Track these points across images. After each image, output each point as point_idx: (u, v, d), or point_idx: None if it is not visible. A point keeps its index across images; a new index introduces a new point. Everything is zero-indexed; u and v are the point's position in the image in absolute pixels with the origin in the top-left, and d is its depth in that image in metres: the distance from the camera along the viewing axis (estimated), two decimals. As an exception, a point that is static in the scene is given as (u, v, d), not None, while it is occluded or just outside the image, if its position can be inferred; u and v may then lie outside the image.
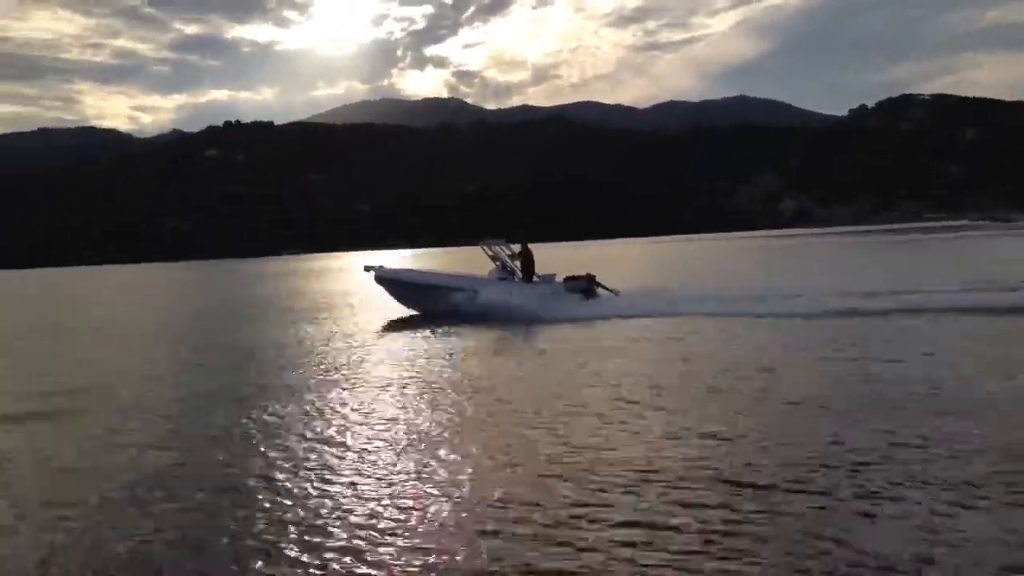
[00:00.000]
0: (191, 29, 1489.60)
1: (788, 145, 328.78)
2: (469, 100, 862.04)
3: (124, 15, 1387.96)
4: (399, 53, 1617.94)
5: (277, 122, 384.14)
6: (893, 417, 9.34)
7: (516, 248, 25.70)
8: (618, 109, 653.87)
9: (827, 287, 23.37)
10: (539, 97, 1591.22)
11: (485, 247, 26.26)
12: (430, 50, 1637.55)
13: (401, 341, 19.64)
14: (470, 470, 8.14)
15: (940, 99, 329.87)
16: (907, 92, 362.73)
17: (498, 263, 25.54)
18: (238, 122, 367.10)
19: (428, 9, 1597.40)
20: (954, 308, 19.61)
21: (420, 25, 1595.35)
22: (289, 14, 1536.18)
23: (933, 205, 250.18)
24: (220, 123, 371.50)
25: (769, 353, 14.55)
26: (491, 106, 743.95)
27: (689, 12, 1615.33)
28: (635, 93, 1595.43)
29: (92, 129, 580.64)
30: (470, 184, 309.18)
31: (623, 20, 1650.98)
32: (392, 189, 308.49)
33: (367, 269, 26.89)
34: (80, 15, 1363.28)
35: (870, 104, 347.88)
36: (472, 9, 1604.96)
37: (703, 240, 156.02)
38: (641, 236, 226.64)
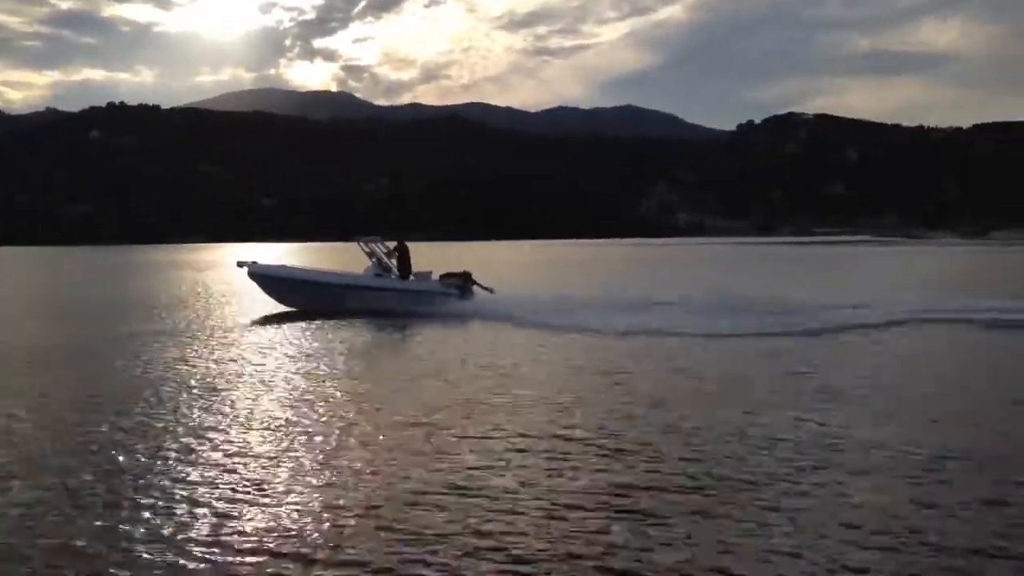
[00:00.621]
0: (65, 4, 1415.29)
1: (680, 157, 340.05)
2: (359, 95, 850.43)
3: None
4: (287, 43, 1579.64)
5: (163, 106, 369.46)
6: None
7: (392, 245, 26.23)
8: (509, 111, 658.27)
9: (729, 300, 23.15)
10: (429, 96, 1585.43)
11: (362, 244, 26.52)
12: (319, 42, 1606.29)
13: (275, 336, 19.77)
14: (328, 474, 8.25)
15: (823, 119, 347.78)
16: (790, 111, 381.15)
17: (374, 259, 25.91)
18: (123, 103, 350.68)
19: (318, 0, 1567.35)
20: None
21: (310, 16, 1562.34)
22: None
23: (823, 221, 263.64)
24: (99, 103, 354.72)
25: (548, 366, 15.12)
26: (381, 102, 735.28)
27: (579, 20, 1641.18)
28: (525, 97, 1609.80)
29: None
30: (368, 182, 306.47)
31: (514, 24, 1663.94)
32: (291, 181, 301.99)
33: (240, 265, 26.39)
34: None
35: (757, 120, 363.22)
36: (363, 3, 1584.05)
37: (615, 245, 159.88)
38: (542, 238, 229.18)
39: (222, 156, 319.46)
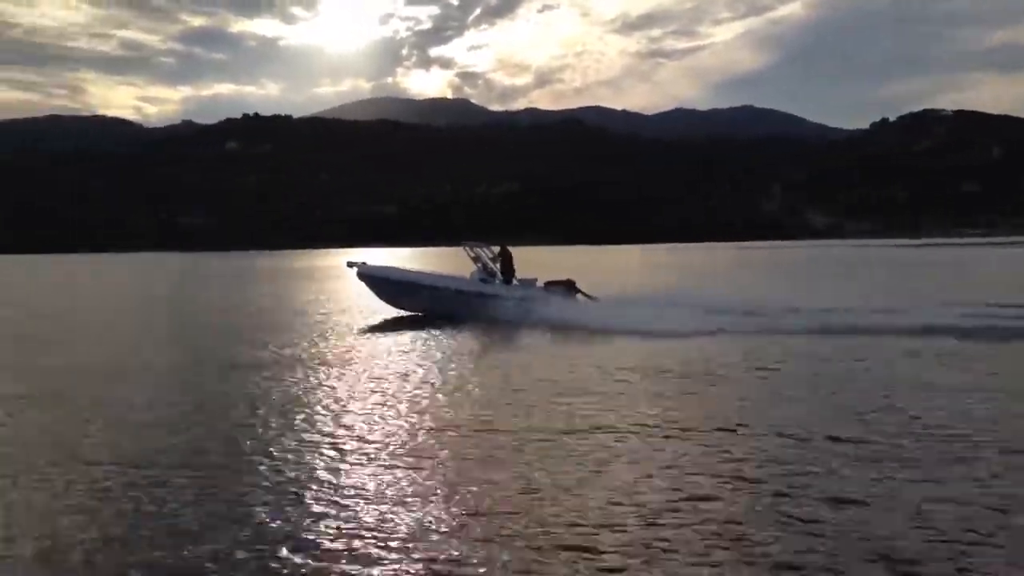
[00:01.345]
0: (197, 21, 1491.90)
1: (805, 156, 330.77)
2: (474, 101, 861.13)
3: (132, 6, 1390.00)
4: (404, 52, 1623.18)
5: (293, 115, 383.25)
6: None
7: (496, 250, 25.55)
8: (626, 115, 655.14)
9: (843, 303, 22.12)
10: (544, 100, 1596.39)
11: (467, 248, 25.96)
12: (435, 51, 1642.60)
13: (387, 340, 19.38)
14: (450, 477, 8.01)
15: (963, 115, 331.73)
16: (924, 108, 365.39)
17: (479, 264, 25.34)
18: (257, 114, 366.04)
19: (434, 10, 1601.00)
20: None
21: (426, 25, 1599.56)
22: (295, 10, 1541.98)
23: (961, 222, 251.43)
24: (227, 115, 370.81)
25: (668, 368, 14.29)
26: (496, 108, 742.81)
27: (694, 21, 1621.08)
28: (640, 100, 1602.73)
29: (101, 118, 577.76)
30: (494, 186, 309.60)
31: (628, 27, 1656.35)
32: (414, 188, 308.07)
33: (350, 265, 26.42)
34: (88, 4, 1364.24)
35: (891, 118, 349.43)
36: (478, 11, 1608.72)
37: (742, 249, 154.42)
38: (666, 242, 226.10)
39: (348, 164, 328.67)
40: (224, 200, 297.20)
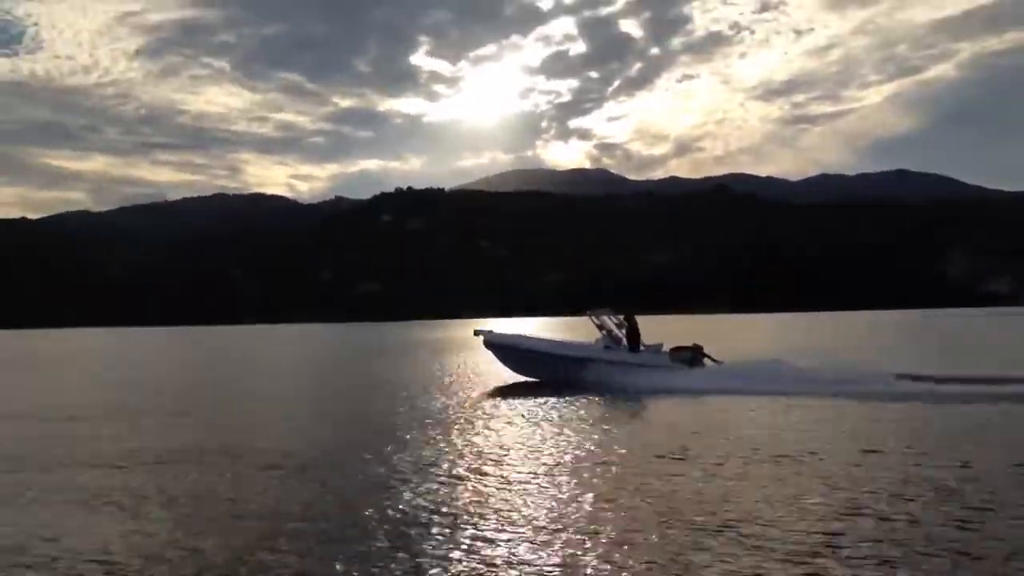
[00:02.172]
0: (346, 102, 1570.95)
1: (972, 220, 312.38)
2: (613, 171, 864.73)
3: (287, 90, 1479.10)
4: (544, 125, 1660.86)
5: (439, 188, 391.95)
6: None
7: (622, 318, 25.88)
8: (770, 181, 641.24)
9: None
10: (683, 169, 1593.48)
11: (592, 316, 26.42)
12: (574, 122, 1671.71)
13: (507, 409, 19.60)
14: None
15: None
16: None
17: (604, 332, 25.74)
18: (410, 188, 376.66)
19: (574, 83, 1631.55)
20: None
21: (566, 98, 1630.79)
22: (439, 87, 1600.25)
23: None
24: (374, 189, 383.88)
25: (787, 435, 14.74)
26: (634, 177, 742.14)
27: (840, 85, 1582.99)
28: (782, 166, 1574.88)
29: (260, 195, 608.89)
30: (655, 255, 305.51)
31: (770, 93, 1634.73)
32: (572, 258, 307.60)
33: (476, 333, 27.55)
34: (247, 91, 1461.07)
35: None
36: (618, 83, 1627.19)
37: (931, 316, 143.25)
38: (846, 309, 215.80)
39: (500, 234, 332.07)
40: (389, 271, 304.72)
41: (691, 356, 24.94)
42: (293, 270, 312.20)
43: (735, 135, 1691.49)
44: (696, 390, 22.05)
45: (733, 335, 63.49)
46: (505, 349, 27.10)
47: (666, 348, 25.51)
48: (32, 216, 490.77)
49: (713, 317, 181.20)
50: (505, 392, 23.88)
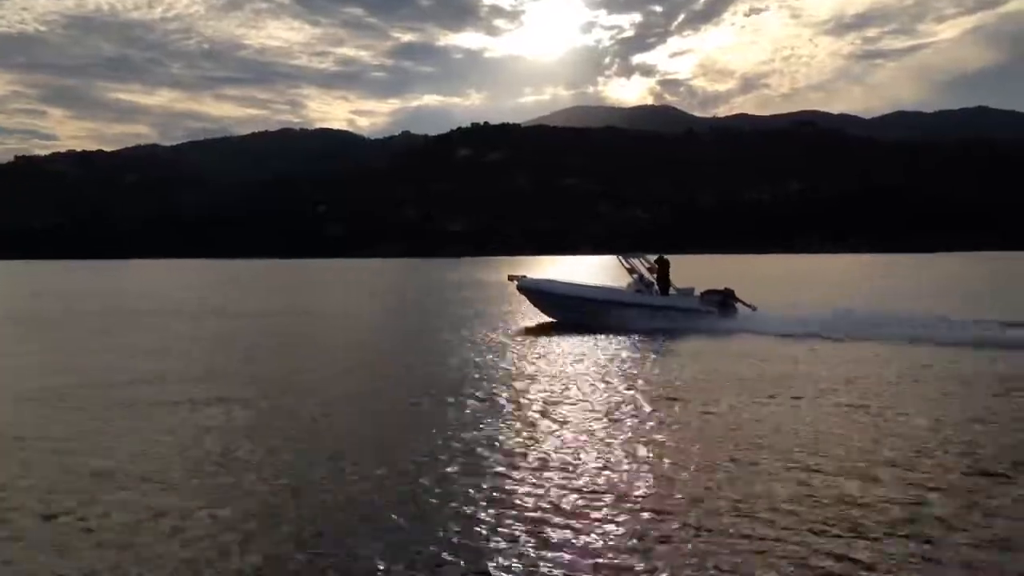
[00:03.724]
0: (407, 37, 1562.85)
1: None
2: (678, 107, 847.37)
3: (348, 24, 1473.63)
4: (606, 61, 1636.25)
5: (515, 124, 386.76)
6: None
7: (653, 260, 26.32)
8: (843, 119, 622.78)
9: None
10: (749, 106, 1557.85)
11: (623, 260, 27.12)
12: (637, 58, 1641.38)
13: (544, 348, 20.31)
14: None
15: None
16: None
17: (635, 276, 26.30)
18: (486, 123, 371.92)
19: (637, 17, 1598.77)
20: None
21: (629, 33, 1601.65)
22: (499, 22, 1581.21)
23: None
24: (436, 126, 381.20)
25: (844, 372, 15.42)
26: (699, 114, 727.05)
27: (915, 19, 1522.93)
28: (852, 103, 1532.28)
29: (327, 131, 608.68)
30: (744, 191, 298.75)
31: (841, 27, 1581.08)
32: (659, 194, 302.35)
33: (511, 279, 28.26)
34: (308, 24, 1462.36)
35: None
36: (682, 17, 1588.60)
37: None
38: (957, 250, 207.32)
39: (583, 169, 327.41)
40: (472, 205, 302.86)
41: (722, 299, 25.12)
42: (376, 205, 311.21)
43: (803, 71, 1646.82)
44: (726, 331, 22.65)
45: (813, 278, 63.30)
46: (538, 293, 27.79)
47: (698, 292, 25.87)
48: (107, 149, 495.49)
49: (808, 256, 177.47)
50: (538, 331, 24.56)
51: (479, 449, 9.92)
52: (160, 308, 38.17)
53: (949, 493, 7.95)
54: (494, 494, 8.10)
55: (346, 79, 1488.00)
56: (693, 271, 50.74)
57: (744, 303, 25.44)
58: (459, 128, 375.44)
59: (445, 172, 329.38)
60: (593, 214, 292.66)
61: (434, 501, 7.94)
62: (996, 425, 11.15)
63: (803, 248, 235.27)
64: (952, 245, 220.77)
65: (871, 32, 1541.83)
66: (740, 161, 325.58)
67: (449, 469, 9.07)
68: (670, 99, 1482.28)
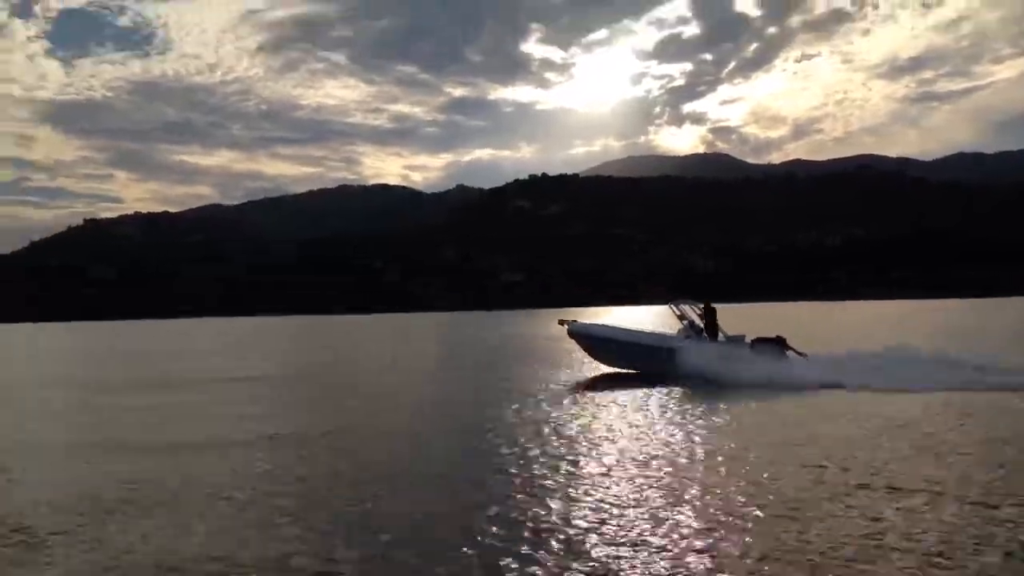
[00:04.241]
0: (459, 92, 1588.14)
1: None
2: (732, 155, 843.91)
3: (402, 82, 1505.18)
4: (657, 110, 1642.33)
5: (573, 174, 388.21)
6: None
7: (701, 307, 26.03)
8: (900, 162, 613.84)
9: None
10: (801, 152, 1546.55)
11: (673, 306, 26.84)
12: (688, 106, 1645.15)
13: (596, 398, 19.94)
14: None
15: None
16: None
17: (685, 322, 25.94)
18: (544, 174, 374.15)
19: (687, 66, 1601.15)
20: None
21: (679, 82, 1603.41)
22: (550, 75, 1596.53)
23: None
24: (488, 179, 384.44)
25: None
26: (752, 161, 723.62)
27: (970, 60, 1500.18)
28: (907, 147, 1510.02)
29: (384, 186, 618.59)
30: (802, 235, 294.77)
31: (895, 71, 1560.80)
32: (720, 242, 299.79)
33: (561, 323, 28.18)
34: (364, 83, 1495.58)
35: None
36: (732, 65, 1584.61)
37: None
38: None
39: (635, 220, 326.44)
40: (529, 257, 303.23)
41: (773, 348, 24.66)
42: (433, 258, 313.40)
43: (857, 115, 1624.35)
44: (776, 382, 21.81)
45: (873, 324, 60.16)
46: (589, 339, 27.61)
47: (748, 339, 25.53)
48: (172, 210, 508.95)
49: (870, 303, 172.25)
50: (591, 383, 24.16)
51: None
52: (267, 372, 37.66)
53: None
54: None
55: (400, 135, 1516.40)
56: (748, 320, 51.94)
57: (796, 351, 24.89)
58: (516, 180, 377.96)
59: (501, 224, 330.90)
60: (653, 263, 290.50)
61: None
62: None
63: (866, 295, 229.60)
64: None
65: (926, 74, 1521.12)
66: (798, 207, 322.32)
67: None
68: (722, 147, 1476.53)
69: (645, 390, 21.29)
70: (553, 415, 17.08)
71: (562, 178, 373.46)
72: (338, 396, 23.04)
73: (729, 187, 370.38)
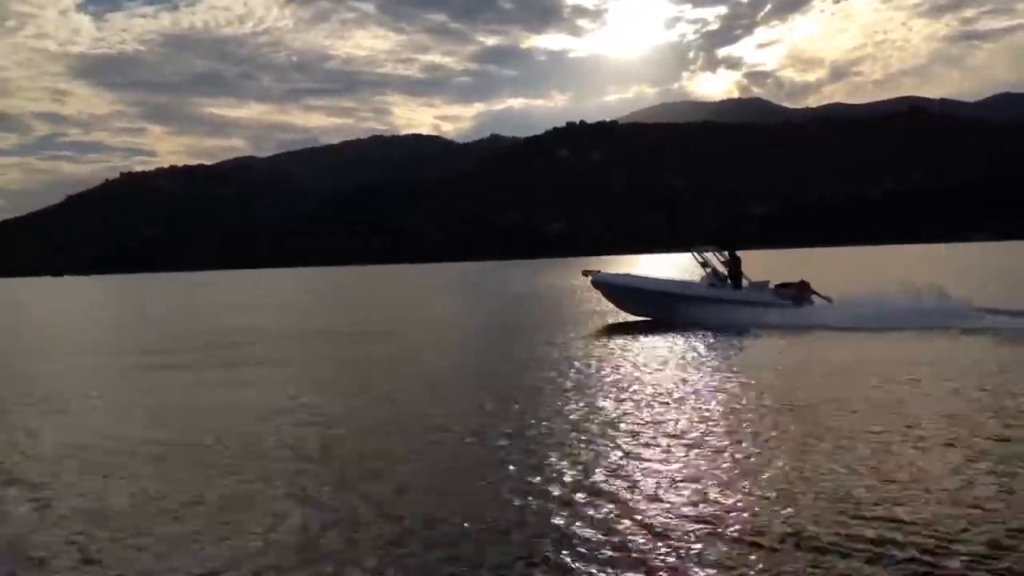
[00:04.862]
0: (491, 41, 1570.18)
1: None
2: (771, 100, 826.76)
3: (432, 31, 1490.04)
4: (691, 55, 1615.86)
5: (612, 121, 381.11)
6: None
7: (726, 255, 25.72)
8: (944, 104, 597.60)
9: None
10: (839, 95, 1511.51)
11: (696, 254, 26.61)
12: (722, 51, 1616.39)
13: (617, 344, 19.63)
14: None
15: None
16: None
17: (708, 270, 25.78)
18: (582, 122, 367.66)
19: (722, 10, 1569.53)
20: None
21: (714, 26, 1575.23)
22: (583, 22, 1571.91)
23: None
24: (521, 128, 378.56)
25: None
26: (789, 105, 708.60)
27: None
28: (949, 87, 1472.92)
29: (418, 136, 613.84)
30: (854, 183, 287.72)
31: (935, 10, 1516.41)
32: (765, 189, 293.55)
33: (585, 274, 28.02)
34: (393, 32, 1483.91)
35: None
36: (768, 7, 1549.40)
37: None
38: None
39: (677, 167, 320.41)
40: (572, 207, 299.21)
41: (796, 293, 24.61)
42: (471, 208, 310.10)
43: (897, 56, 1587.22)
44: (800, 326, 21.76)
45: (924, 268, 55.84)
46: (613, 288, 27.48)
47: (772, 284, 25.42)
48: (207, 163, 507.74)
49: (928, 246, 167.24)
50: (614, 330, 23.73)
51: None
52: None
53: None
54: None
55: (431, 85, 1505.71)
56: (802, 266, 50.82)
57: (820, 295, 24.67)
58: (554, 128, 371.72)
59: (539, 173, 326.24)
60: (696, 210, 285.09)
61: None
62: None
63: (927, 238, 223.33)
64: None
65: (968, 13, 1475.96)
66: (845, 151, 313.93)
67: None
68: (757, 91, 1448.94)
69: (671, 336, 20.99)
70: (577, 362, 16.43)
71: (601, 125, 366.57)
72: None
73: (772, 132, 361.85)
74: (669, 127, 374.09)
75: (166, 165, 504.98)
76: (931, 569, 5.45)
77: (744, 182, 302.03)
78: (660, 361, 16.30)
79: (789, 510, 6.65)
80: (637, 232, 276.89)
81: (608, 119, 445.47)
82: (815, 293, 24.79)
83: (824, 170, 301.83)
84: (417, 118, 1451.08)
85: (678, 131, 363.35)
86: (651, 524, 6.46)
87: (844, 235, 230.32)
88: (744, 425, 9.86)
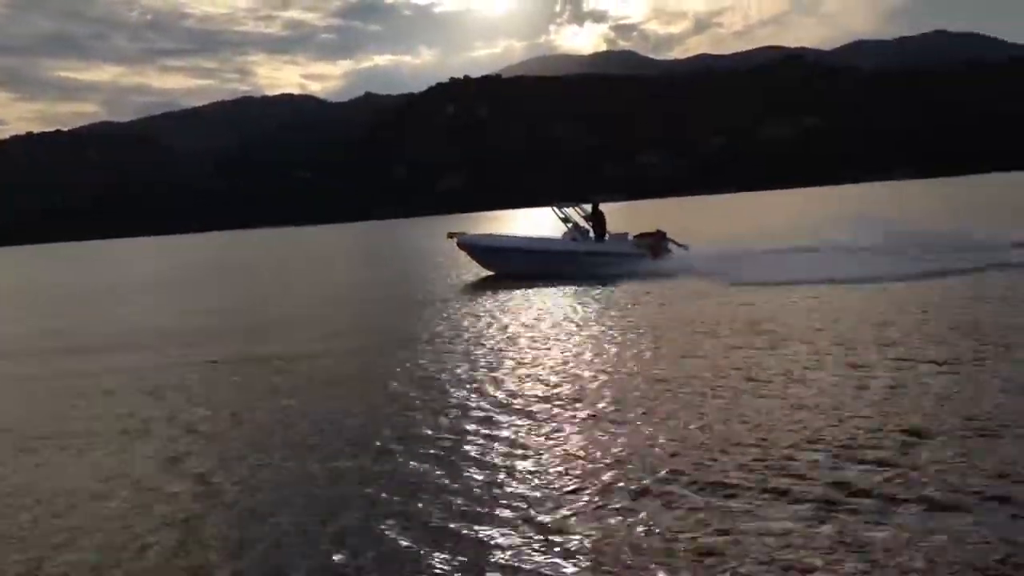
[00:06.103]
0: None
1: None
2: (637, 52, 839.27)
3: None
4: (557, 9, 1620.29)
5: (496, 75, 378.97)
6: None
7: (588, 209, 26.88)
8: (806, 52, 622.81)
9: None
10: (704, 46, 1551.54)
11: (556, 210, 27.19)
12: (588, 3, 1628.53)
13: (486, 302, 19.60)
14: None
15: None
16: None
17: (570, 224, 26.68)
18: (467, 77, 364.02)
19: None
20: None
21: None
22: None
23: None
24: (392, 86, 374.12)
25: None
26: (657, 57, 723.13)
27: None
28: (810, 36, 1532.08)
29: (289, 96, 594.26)
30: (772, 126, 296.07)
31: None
32: (669, 139, 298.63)
33: (450, 236, 28.60)
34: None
35: None
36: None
37: None
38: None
39: (569, 120, 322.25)
40: (472, 163, 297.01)
41: (654, 242, 25.83)
42: (365, 168, 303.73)
43: (755, 6, 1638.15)
44: (658, 273, 22.71)
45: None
46: (478, 249, 27.97)
47: (630, 236, 26.60)
48: (64, 129, 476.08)
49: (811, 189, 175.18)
50: (478, 288, 24.07)
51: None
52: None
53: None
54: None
55: (294, 43, 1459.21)
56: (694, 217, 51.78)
57: (676, 243, 26.02)
58: (437, 83, 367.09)
59: (430, 129, 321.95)
60: (590, 162, 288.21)
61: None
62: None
63: (851, 179, 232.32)
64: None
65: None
66: (732, 100, 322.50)
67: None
68: (624, 44, 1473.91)
69: (533, 292, 21.10)
70: (442, 322, 16.20)
71: (485, 79, 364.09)
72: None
73: (654, 83, 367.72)
74: (552, 80, 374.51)
75: (22, 132, 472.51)
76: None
77: (636, 133, 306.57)
78: (516, 314, 16.61)
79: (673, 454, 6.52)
80: (533, 186, 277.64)
81: (481, 74, 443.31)
82: (672, 241, 26.18)
83: (717, 119, 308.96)
84: (283, 77, 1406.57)
85: (561, 84, 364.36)
86: (527, 478, 6.27)
87: (755, 181, 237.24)
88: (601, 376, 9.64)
